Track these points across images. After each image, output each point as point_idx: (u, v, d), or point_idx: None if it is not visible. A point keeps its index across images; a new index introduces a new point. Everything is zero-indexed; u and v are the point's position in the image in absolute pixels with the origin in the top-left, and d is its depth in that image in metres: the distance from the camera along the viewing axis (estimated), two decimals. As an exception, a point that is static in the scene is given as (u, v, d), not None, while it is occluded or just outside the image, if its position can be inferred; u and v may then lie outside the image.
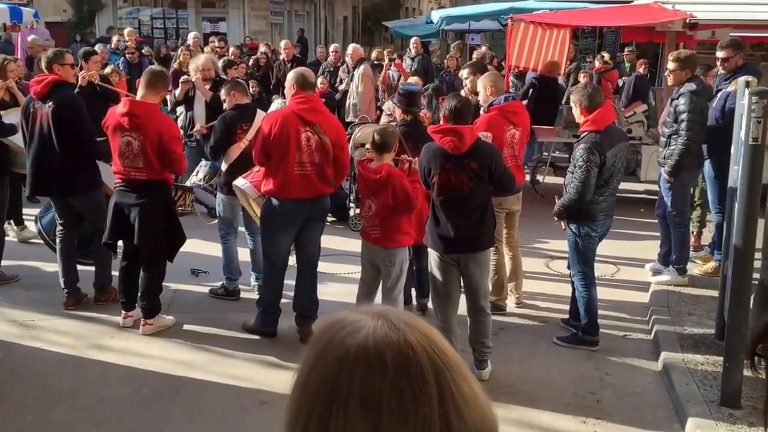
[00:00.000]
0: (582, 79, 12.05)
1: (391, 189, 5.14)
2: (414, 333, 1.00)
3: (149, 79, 5.63)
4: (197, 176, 7.11)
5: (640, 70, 12.94)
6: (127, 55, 12.83)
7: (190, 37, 13.22)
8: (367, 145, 7.11)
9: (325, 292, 6.13)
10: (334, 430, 0.95)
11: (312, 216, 5.61)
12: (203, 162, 7.09)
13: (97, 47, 11.35)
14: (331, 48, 13.01)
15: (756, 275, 4.77)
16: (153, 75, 5.68)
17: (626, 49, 14.67)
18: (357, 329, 1.00)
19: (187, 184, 7.35)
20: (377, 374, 0.96)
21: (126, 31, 14.43)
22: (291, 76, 5.63)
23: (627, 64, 14.75)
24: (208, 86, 8.00)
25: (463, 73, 7.37)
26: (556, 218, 5.71)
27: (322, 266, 6.46)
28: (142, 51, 13.71)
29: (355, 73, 11.73)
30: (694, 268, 7.11)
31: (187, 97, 8.53)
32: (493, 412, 1.03)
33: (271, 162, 5.45)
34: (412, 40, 15.08)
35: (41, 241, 7.06)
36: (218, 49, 13.87)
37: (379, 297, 5.55)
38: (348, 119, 11.23)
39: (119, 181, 5.69)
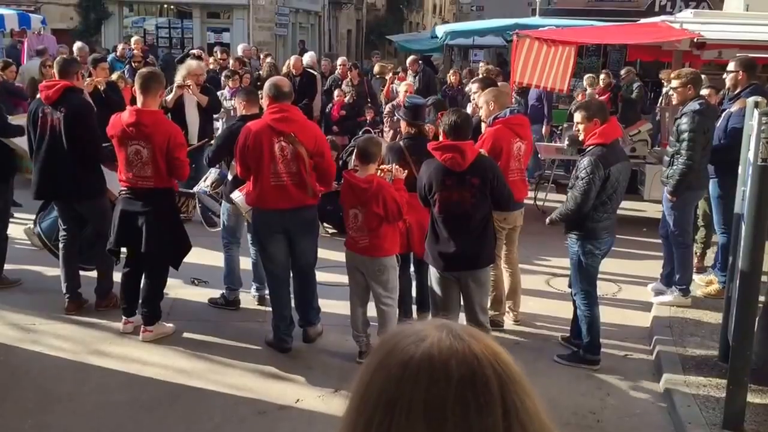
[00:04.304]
0: (578, 97, 11.97)
1: (382, 200, 5.12)
2: (479, 345, 0.99)
3: (144, 84, 5.59)
4: (205, 182, 7.11)
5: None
6: (133, 64, 12.83)
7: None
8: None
9: (324, 303, 6.08)
10: None
11: (296, 228, 5.56)
12: (213, 169, 7.09)
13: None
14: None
15: (761, 297, 4.74)
16: (147, 79, 5.63)
17: (623, 70, 14.20)
18: (421, 338, 0.99)
19: (195, 189, 7.35)
20: (442, 382, 0.94)
21: (133, 40, 14.44)
22: (265, 87, 5.68)
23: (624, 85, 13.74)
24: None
25: (472, 88, 7.36)
26: (548, 223, 5.68)
27: (323, 277, 6.43)
28: (147, 60, 13.72)
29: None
30: (698, 290, 7.06)
31: (177, 104, 8.47)
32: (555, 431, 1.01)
33: (250, 174, 5.51)
34: (408, 60, 14.58)
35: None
36: (221, 61, 13.90)
37: (371, 307, 5.53)
38: None
39: (125, 189, 5.69)
